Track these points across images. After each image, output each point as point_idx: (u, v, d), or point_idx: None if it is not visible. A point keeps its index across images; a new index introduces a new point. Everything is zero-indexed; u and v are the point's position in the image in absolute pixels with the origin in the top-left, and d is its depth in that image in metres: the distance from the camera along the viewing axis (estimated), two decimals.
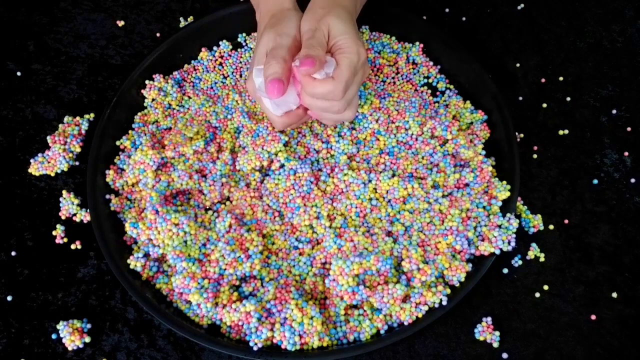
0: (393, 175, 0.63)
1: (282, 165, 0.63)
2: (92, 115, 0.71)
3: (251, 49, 0.73)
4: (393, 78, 0.71)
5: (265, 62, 0.56)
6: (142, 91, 0.69)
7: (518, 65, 0.73)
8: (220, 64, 0.73)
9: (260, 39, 0.59)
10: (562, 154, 0.68)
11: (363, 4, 0.66)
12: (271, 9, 0.62)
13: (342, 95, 0.56)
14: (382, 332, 0.56)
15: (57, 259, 0.63)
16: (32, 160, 0.67)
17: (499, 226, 0.60)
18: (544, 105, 0.71)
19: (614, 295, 0.60)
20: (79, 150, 0.68)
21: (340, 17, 0.57)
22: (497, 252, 0.58)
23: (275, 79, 0.54)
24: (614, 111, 0.70)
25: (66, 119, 0.70)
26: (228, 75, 0.72)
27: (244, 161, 0.63)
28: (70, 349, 0.58)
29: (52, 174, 0.67)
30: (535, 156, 0.68)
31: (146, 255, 0.60)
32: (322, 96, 0.56)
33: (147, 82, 0.69)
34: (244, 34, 0.73)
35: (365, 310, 0.57)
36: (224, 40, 0.73)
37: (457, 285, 0.57)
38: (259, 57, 0.58)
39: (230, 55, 0.73)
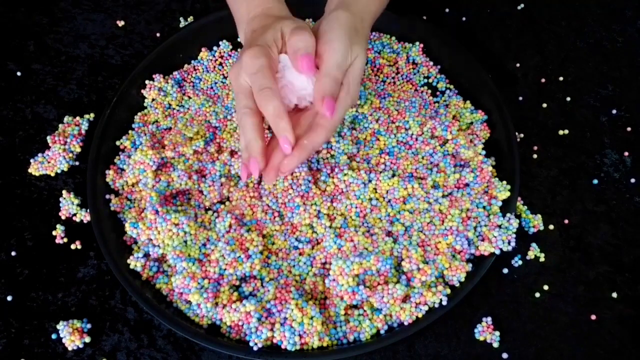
0: (393, 175, 0.63)
1: None
2: (92, 115, 0.71)
3: None
4: (393, 78, 0.71)
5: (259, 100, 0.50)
6: (142, 91, 0.69)
7: (518, 65, 0.73)
8: (220, 64, 0.73)
9: (279, 22, 0.52)
10: (562, 154, 0.68)
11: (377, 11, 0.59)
12: (269, 13, 0.55)
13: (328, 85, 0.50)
14: (382, 332, 0.56)
15: (57, 259, 0.63)
16: (32, 160, 0.67)
17: (499, 226, 0.60)
18: (544, 105, 0.71)
19: (614, 295, 0.60)
20: (79, 150, 0.68)
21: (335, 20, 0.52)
22: (497, 252, 0.58)
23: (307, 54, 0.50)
24: (614, 111, 0.70)
25: (66, 119, 0.70)
26: (228, 75, 0.72)
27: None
28: (70, 349, 0.58)
29: (52, 174, 0.67)
30: (535, 156, 0.68)
31: (146, 255, 0.60)
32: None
33: (147, 82, 0.69)
34: None
35: (365, 310, 0.57)
36: (224, 40, 0.73)
37: (457, 285, 0.57)
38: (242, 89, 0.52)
39: (230, 55, 0.73)
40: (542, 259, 0.62)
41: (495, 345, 0.58)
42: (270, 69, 0.50)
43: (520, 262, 0.62)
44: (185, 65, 0.72)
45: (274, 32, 0.52)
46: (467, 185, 0.63)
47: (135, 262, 0.59)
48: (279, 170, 0.52)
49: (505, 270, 0.61)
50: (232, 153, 0.65)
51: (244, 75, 0.51)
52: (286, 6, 0.59)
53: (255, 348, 0.54)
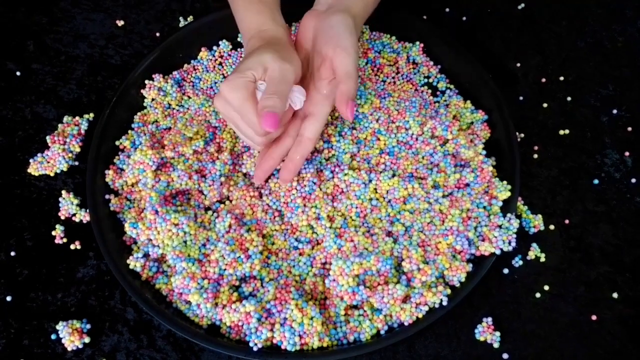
0: (393, 175, 0.63)
1: None
2: (91, 115, 0.70)
3: None
4: (393, 78, 0.71)
5: (268, 93, 0.53)
6: (142, 91, 0.69)
7: (518, 65, 0.73)
8: (220, 63, 0.73)
9: (260, 55, 0.55)
10: (562, 154, 0.68)
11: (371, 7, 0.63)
12: (263, 35, 0.59)
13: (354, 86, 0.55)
14: (382, 332, 0.56)
15: (57, 259, 0.63)
16: (31, 160, 0.67)
17: (500, 226, 0.60)
18: (545, 105, 0.71)
19: (615, 295, 0.60)
20: (78, 150, 0.68)
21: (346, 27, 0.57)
22: (498, 252, 0.58)
23: (272, 112, 0.52)
24: (615, 111, 0.70)
25: (66, 118, 0.70)
26: (228, 75, 0.72)
27: (250, 164, 0.63)
28: (69, 349, 0.58)
29: (52, 174, 0.67)
30: (535, 156, 0.67)
31: (146, 255, 0.60)
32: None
33: (146, 81, 0.69)
34: None
35: (365, 311, 0.57)
36: (224, 40, 0.73)
37: (458, 285, 0.57)
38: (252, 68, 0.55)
39: (230, 55, 0.72)
40: (542, 259, 0.62)
41: (496, 345, 0.57)
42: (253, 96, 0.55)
43: (520, 263, 0.61)
44: (185, 65, 0.72)
45: (254, 63, 0.54)
46: (467, 185, 0.63)
47: (134, 263, 0.59)
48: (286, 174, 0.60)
49: (506, 271, 0.61)
50: (232, 153, 0.65)
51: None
52: (282, 24, 0.61)
53: (255, 348, 0.54)
